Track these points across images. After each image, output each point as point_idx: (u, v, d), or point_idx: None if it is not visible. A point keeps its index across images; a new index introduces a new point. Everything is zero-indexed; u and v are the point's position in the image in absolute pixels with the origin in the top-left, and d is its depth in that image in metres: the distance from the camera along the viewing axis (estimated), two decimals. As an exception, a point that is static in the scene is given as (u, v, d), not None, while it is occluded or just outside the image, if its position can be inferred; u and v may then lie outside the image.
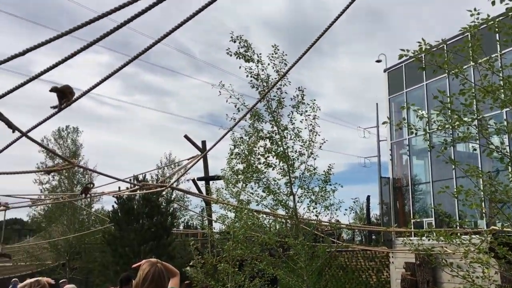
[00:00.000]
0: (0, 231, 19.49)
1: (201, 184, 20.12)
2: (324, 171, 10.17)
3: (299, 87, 9.96)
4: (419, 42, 5.89)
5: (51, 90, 6.42)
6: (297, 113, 9.93)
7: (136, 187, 15.57)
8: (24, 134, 7.89)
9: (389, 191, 19.70)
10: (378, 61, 21.96)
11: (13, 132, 7.82)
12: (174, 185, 17.04)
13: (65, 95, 6.72)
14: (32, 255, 31.33)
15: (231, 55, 9.60)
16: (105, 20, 5.73)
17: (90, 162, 38.06)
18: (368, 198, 35.73)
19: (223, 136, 9.13)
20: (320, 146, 10.07)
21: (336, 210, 10.24)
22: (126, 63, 7.26)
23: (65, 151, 37.72)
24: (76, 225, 30.83)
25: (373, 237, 32.40)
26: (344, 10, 6.57)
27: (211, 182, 18.19)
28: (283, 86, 9.78)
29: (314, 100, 9.96)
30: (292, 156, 9.93)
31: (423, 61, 6.06)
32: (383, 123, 6.69)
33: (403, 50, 5.60)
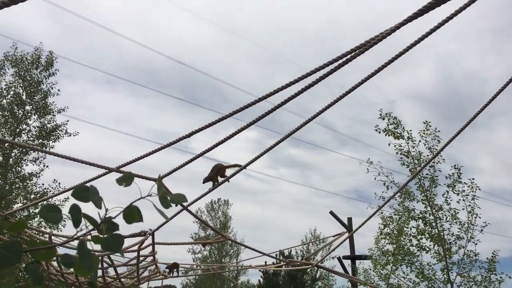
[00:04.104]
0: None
1: (347, 263, 19.42)
2: (487, 258, 9.10)
3: (455, 165, 9.33)
4: None
5: (205, 181, 7.18)
6: (453, 192, 9.22)
7: (282, 263, 15.63)
8: (185, 208, 8.59)
9: None
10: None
11: (176, 205, 8.63)
12: (320, 263, 16.70)
13: (217, 174, 7.31)
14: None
15: (379, 132, 9.49)
16: (252, 98, 6.12)
17: (238, 234, 39.60)
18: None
19: (371, 216, 8.84)
20: (482, 230, 9.12)
21: (505, 304, 8.98)
22: (279, 141, 7.59)
23: (216, 222, 39.99)
24: (223, 296, 31.75)
25: None
26: (506, 85, 6.13)
27: (357, 262, 17.46)
28: (437, 163, 9.25)
29: (473, 179, 9.20)
30: (449, 240, 9.12)
31: None
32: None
33: None
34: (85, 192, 1.01)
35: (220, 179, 7.47)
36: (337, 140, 63.90)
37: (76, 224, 1.00)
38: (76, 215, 1.00)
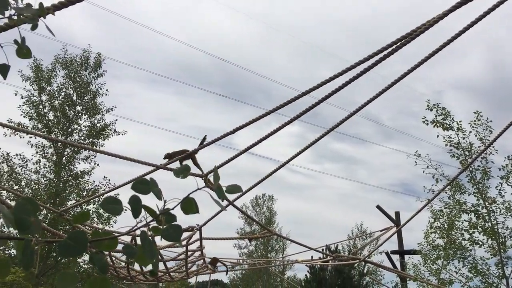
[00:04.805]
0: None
1: (395, 258, 19.06)
2: (546, 254, 8.72)
3: (508, 156, 8.96)
4: None
5: (165, 158, 6.94)
6: (508, 184, 8.87)
7: (329, 257, 15.54)
8: (231, 203, 8.68)
9: None
10: None
11: (222, 200, 8.74)
12: (367, 258, 16.50)
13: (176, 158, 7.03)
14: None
15: (427, 124, 9.25)
16: (294, 92, 6.09)
17: (283, 229, 39.63)
18: None
19: (420, 210, 8.64)
20: (539, 223, 8.73)
21: None
22: (321, 136, 7.53)
23: (261, 217, 40.18)
24: (270, 291, 31.94)
25: None
26: None
27: (406, 257, 17.10)
28: (489, 155, 8.92)
29: (527, 170, 8.81)
30: (503, 233, 8.79)
31: None
32: None
33: None
34: (145, 184, 1.05)
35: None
36: (382, 133, 62.69)
37: (136, 214, 1.05)
38: (136, 206, 1.04)
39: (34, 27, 1.60)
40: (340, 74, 5.49)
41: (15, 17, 1.58)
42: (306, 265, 17.82)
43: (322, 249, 16.29)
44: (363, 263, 17.71)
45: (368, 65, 5.32)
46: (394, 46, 5.15)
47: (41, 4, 1.62)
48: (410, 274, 12.49)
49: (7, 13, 1.56)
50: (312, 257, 17.05)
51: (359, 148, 63.39)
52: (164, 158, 6.71)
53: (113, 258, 8.31)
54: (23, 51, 1.53)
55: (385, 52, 5.19)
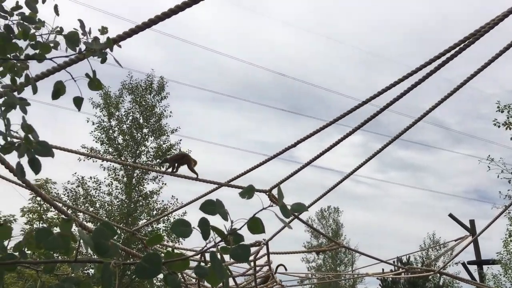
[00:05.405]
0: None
1: (473, 268, 18.10)
2: None
3: None
4: None
5: (162, 162, 7.07)
6: None
7: (401, 270, 15.00)
8: (296, 217, 8.64)
9: None
10: None
11: (287, 218, 8.80)
12: (442, 269, 15.80)
13: (177, 161, 7.04)
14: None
15: (499, 126, 8.78)
16: (354, 102, 5.96)
17: (351, 241, 38.80)
18: None
19: (497, 217, 8.20)
20: None
21: None
22: (386, 144, 7.34)
23: (328, 230, 39.63)
24: (341, 305, 31.28)
25: None
26: None
27: (485, 267, 16.19)
28: None
29: None
30: None
31: None
32: None
33: None
34: (212, 206, 1.09)
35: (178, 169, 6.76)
36: (450, 138, 59.99)
37: (206, 236, 1.09)
38: (205, 227, 1.08)
39: (103, 61, 1.72)
40: (401, 80, 5.36)
41: (85, 52, 1.71)
42: (377, 278, 17.32)
43: (394, 261, 15.76)
44: (438, 275, 16.99)
45: (430, 69, 5.15)
46: (457, 48, 4.94)
47: (108, 38, 1.74)
48: (491, 286, 11.82)
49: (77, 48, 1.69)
50: (383, 269, 16.55)
51: (425, 155, 61.11)
52: (161, 162, 7.09)
53: (184, 275, 8.51)
54: (94, 83, 1.64)
55: (448, 55, 5.00)
